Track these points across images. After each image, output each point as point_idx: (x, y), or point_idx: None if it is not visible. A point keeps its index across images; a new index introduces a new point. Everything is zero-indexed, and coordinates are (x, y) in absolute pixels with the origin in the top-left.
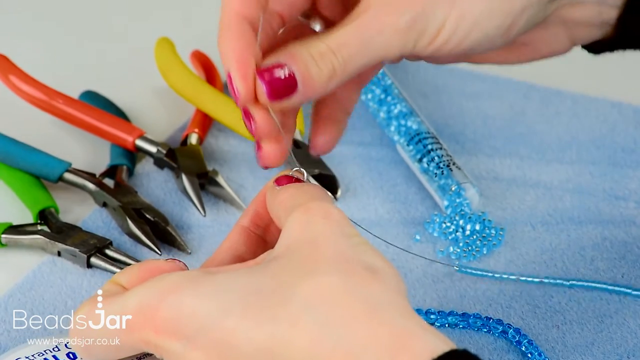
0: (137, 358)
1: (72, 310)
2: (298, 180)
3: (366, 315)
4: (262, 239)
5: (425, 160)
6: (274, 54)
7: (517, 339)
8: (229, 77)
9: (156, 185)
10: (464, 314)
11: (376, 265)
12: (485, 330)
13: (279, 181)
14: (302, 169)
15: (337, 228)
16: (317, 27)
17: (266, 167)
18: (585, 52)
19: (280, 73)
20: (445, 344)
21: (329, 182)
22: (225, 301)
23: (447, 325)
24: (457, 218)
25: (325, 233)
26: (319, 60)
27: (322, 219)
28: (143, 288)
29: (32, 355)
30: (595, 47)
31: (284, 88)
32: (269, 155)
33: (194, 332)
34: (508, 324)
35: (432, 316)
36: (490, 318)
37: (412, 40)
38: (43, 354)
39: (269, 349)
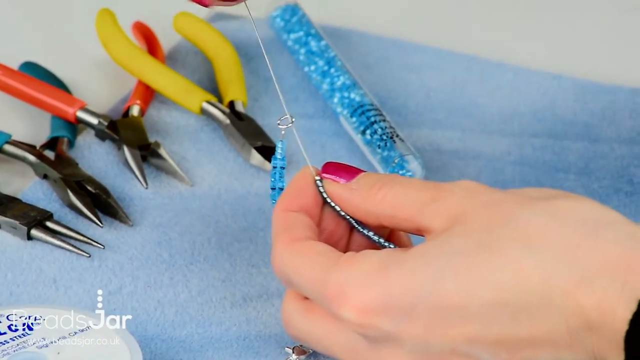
0: None
1: (13, 283)
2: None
3: (589, 239)
4: None
5: (368, 132)
6: None
7: None
8: None
9: (97, 158)
10: None
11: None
12: None
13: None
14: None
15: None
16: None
17: None
18: (525, 25)
19: None
20: None
21: (272, 154)
22: (433, 269)
23: None
24: None
25: (504, 197)
26: None
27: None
28: (344, 270)
29: None
30: None
31: None
32: None
33: (408, 307)
34: None
35: None
36: None
37: None
38: None
39: (499, 301)
